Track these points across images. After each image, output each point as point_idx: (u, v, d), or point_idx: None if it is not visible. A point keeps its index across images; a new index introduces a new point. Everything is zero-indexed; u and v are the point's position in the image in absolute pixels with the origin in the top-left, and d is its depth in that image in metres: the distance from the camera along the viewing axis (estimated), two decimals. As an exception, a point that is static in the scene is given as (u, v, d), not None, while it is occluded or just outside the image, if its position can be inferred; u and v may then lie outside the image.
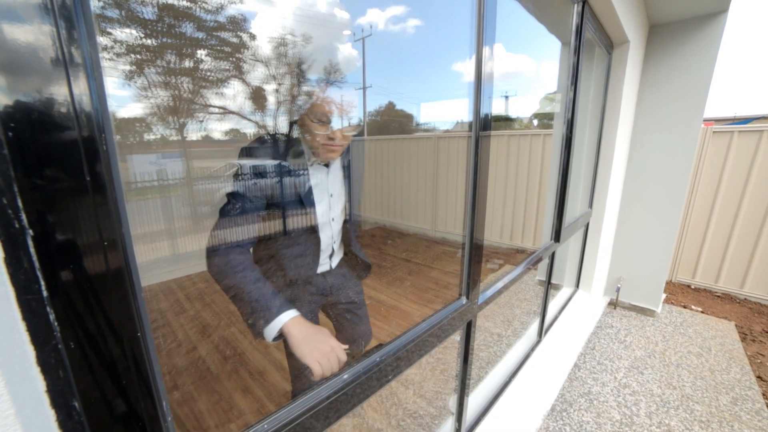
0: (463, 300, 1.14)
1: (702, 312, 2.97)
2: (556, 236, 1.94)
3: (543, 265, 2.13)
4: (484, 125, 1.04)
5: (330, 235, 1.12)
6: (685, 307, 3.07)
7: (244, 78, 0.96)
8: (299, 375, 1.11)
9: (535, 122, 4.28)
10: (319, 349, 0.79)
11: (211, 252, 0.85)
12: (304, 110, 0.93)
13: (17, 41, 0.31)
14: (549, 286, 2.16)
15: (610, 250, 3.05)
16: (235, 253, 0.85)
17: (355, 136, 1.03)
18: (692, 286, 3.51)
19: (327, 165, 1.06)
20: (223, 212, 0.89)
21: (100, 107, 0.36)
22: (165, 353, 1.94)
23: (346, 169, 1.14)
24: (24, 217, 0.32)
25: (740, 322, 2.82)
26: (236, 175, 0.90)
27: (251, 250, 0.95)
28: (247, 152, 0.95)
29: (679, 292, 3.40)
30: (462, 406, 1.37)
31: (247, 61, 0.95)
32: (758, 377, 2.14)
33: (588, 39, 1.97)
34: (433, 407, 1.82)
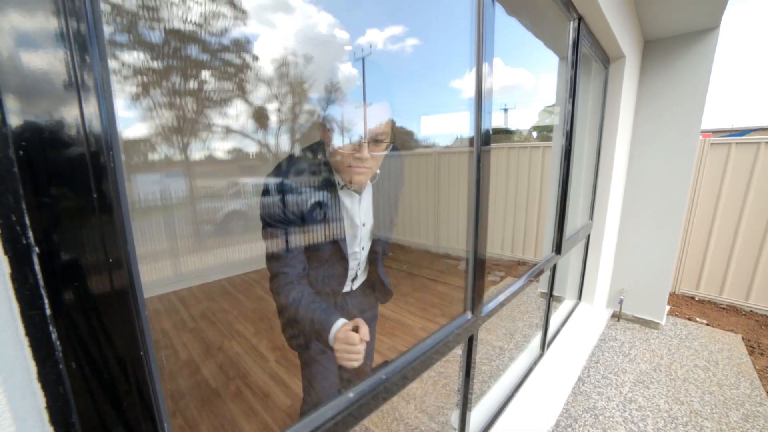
0: (468, 315, 1.14)
1: (707, 324, 2.93)
2: (557, 248, 1.94)
3: (545, 278, 2.12)
4: (485, 140, 1.06)
5: (357, 263, 1.08)
6: (689, 319, 3.03)
7: (247, 97, 0.98)
8: (307, 387, 1.11)
9: (535, 134, 4.33)
10: (336, 349, 0.81)
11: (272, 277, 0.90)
12: (327, 127, 0.88)
13: (33, 66, 0.32)
14: (551, 298, 2.14)
15: (611, 262, 3.03)
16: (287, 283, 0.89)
17: (392, 149, 0.95)
18: (696, 298, 3.47)
19: (359, 192, 0.99)
20: (265, 236, 0.90)
21: (110, 128, 0.37)
22: (167, 374, 1.91)
23: (380, 190, 1.07)
24: (31, 234, 0.33)
25: (747, 334, 2.78)
26: (265, 193, 0.88)
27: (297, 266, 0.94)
28: (278, 172, 0.90)
29: (683, 304, 3.36)
30: (464, 422, 1.34)
31: (251, 81, 0.96)
32: None
33: (585, 54, 2.01)
34: (435, 422, 1.78)
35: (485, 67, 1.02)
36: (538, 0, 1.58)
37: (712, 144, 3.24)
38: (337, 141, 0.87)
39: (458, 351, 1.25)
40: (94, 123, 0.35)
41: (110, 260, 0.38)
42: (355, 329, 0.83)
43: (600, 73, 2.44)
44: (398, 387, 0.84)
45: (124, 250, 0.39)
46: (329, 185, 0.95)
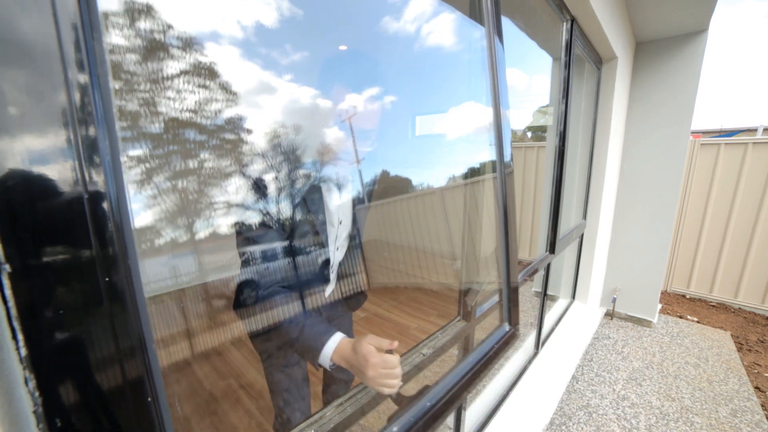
0: (506, 327, 1.20)
1: (698, 322, 2.98)
2: (551, 248, 1.95)
3: (539, 277, 2.13)
4: (506, 165, 1.10)
5: (331, 263, 1.07)
6: (681, 317, 3.08)
7: (244, 171, 1.01)
8: (278, 402, 1.08)
9: (529, 135, 4.36)
10: (369, 376, 0.69)
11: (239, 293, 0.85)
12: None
13: (44, 178, 0.32)
14: (545, 297, 2.16)
15: (605, 261, 3.07)
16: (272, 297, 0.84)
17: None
18: (687, 296, 3.52)
19: (339, 187, 1.01)
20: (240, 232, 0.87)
21: (123, 226, 0.37)
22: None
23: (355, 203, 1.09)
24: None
25: (736, 331, 2.83)
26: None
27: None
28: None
29: (675, 302, 3.41)
30: (459, 421, 1.35)
31: (247, 155, 1.00)
32: (756, 388, 2.14)
33: (578, 55, 2.03)
34: (431, 423, 1.78)
35: (502, 108, 1.08)
36: (532, 1, 1.59)
37: (702, 144, 3.29)
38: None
39: (455, 351, 1.25)
40: (110, 227, 0.36)
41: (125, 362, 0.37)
42: (386, 350, 0.72)
43: (593, 74, 2.46)
44: (445, 411, 0.75)
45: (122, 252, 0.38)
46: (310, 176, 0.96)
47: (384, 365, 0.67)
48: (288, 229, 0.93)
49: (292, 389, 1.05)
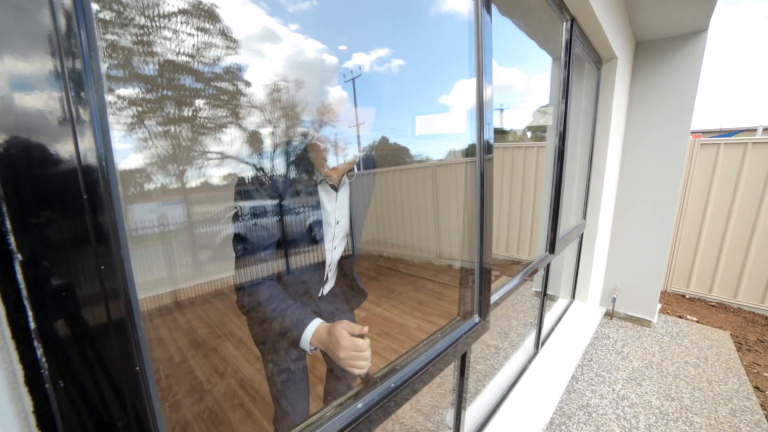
0: (476, 318, 1.16)
1: (697, 322, 2.98)
2: (551, 247, 1.95)
3: (539, 277, 2.13)
4: (487, 149, 1.07)
5: (328, 263, 1.08)
6: (680, 317, 3.08)
7: (240, 123, 0.98)
8: (277, 396, 1.09)
9: (529, 134, 4.35)
10: (341, 357, 0.75)
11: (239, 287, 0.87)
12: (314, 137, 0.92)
13: (26, 106, 0.32)
14: (545, 297, 2.16)
15: (604, 261, 3.07)
16: (255, 287, 0.86)
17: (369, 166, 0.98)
18: (687, 296, 3.53)
19: (336, 188, 1.01)
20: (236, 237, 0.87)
21: (107, 163, 0.36)
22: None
23: (353, 198, 1.10)
24: (12, 240, 0.32)
25: (735, 331, 2.83)
26: (239, 193, 0.87)
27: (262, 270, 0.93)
28: (247, 192, 0.90)
29: (674, 302, 3.41)
30: (459, 421, 1.35)
31: (244, 107, 0.97)
32: (755, 387, 2.14)
33: (577, 55, 2.03)
34: (430, 422, 1.78)
35: (486, 84, 1.04)
36: (532, 1, 1.59)
37: (701, 144, 3.30)
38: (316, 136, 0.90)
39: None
40: (90, 157, 0.35)
41: (103, 282, 0.37)
42: (357, 334, 0.79)
43: (592, 74, 2.46)
44: (409, 393, 0.81)
45: (117, 254, 0.38)
46: (308, 179, 0.97)
47: (354, 348, 0.75)
48: (284, 221, 0.93)
49: (291, 382, 1.07)
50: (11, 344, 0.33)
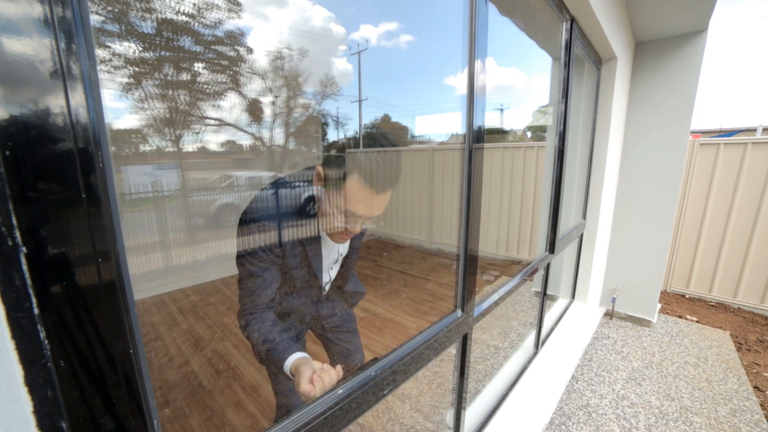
0: (458, 313, 1.14)
1: (697, 322, 2.98)
2: (551, 247, 1.95)
3: (538, 277, 2.13)
4: (477, 137, 1.06)
5: (328, 281, 1.14)
6: (680, 317, 3.08)
7: (241, 90, 0.95)
8: (280, 392, 1.10)
9: (529, 134, 4.36)
10: (306, 377, 0.77)
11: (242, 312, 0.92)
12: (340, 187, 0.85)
13: (16, 54, 0.31)
14: (545, 297, 2.16)
15: (604, 261, 3.07)
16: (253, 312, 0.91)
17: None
18: (686, 296, 3.53)
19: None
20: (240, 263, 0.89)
21: (97, 120, 0.36)
22: (157, 368, 1.89)
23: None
24: (18, 234, 0.32)
25: (735, 331, 2.83)
26: (243, 223, 0.87)
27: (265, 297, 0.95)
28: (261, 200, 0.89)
29: (674, 302, 3.41)
30: (459, 421, 1.35)
31: (244, 74, 0.94)
32: (755, 387, 2.14)
33: (577, 55, 2.03)
34: (430, 422, 1.78)
35: (477, 63, 1.02)
36: (531, 1, 1.59)
37: (701, 144, 3.30)
38: (332, 207, 0.85)
39: (453, 350, 1.26)
40: (81, 114, 0.35)
41: (99, 259, 0.37)
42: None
43: (592, 74, 2.47)
44: (389, 383, 0.84)
45: (113, 246, 0.38)
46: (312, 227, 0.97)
47: (304, 393, 0.79)
48: (290, 262, 0.95)
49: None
50: (11, 344, 0.33)
